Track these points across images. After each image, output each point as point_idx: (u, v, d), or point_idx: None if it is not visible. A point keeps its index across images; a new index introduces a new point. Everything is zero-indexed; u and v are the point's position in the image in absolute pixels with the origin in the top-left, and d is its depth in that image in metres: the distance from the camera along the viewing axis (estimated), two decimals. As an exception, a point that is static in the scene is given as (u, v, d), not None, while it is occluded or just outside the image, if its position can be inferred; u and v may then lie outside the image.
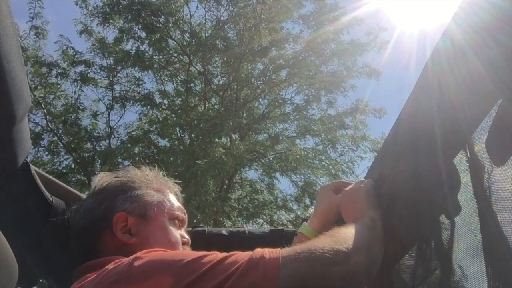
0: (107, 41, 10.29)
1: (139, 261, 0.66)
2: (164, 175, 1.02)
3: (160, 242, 0.86)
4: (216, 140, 8.27)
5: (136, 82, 10.53)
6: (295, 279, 0.62)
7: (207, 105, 10.63)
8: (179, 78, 10.91)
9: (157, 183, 0.98)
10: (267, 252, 0.66)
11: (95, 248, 0.87)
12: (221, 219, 8.00)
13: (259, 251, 0.66)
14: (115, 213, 0.88)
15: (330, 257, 0.66)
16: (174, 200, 0.98)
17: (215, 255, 0.66)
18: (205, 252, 0.67)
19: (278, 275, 0.62)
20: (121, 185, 0.93)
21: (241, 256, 0.66)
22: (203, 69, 10.70)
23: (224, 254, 0.67)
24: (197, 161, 7.65)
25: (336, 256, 0.66)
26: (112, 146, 9.91)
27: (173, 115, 10.43)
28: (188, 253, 0.70)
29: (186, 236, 0.95)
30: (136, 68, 10.23)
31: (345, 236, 0.73)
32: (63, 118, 9.92)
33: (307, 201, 9.90)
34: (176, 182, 1.03)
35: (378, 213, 0.88)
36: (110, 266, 0.70)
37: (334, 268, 0.65)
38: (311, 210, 9.83)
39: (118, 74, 10.45)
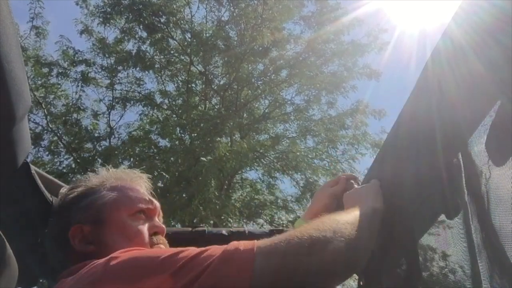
0: (108, 41, 10.29)
1: (114, 261, 0.65)
2: (125, 168, 0.99)
3: (120, 241, 0.83)
4: (218, 139, 8.25)
5: (137, 82, 10.53)
6: (269, 271, 0.61)
7: (207, 105, 10.64)
8: (180, 78, 10.91)
9: (113, 181, 0.94)
10: (242, 244, 0.64)
11: (66, 263, 0.85)
12: (223, 217, 7.97)
13: (234, 243, 0.65)
14: (70, 227, 0.87)
15: (307, 246, 0.63)
16: (134, 193, 0.93)
17: (191, 251, 0.65)
18: (181, 248, 0.66)
19: (252, 267, 0.60)
20: (75, 196, 0.92)
21: (216, 249, 0.64)
22: (203, 69, 10.70)
23: (201, 248, 0.65)
24: (201, 158, 7.63)
25: (314, 245, 0.64)
26: (112, 146, 9.91)
27: (174, 115, 10.44)
28: (163, 251, 0.70)
29: (159, 224, 0.91)
30: (137, 68, 10.23)
31: (329, 224, 0.69)
32: (63, 118, 9.92)
33: (308, 201, 9.89)
34: (142, 172, 0.99)
35: (382, 209, 0.85)
36: (84, 269, 0.70)
37: (310, 258, 0.63)
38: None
39: (119, 74, 10.45)
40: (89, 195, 0.91)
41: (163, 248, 0.88)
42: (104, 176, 0.95)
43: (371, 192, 0.92)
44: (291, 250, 0.63)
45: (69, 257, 0.86)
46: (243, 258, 0.62)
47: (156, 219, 0.93)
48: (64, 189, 0.97)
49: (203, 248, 0.66)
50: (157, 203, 0.95)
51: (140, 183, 0.97)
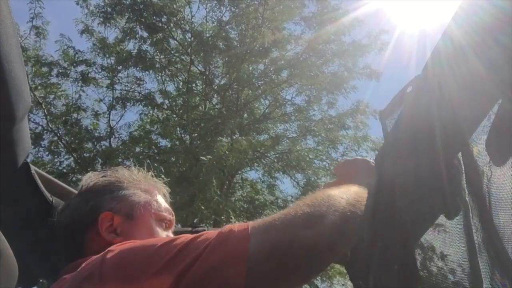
0: (108, 41, 10.28)
1: (111, 253, 0.66)
2: (153, 176, 1.01)
3: None
4: (219, 138, 8.24)
5: (137, 82, 10.53)
6: (265, 247, 0.61)
7: (208, 105, 10.64)
8: (180, 78, 10.91)
9: (145, 184, 0.98)
10: (237, 225, 0.65)
11: (80, 247, 0.86)
12: (223, 216, 7.96)
13: (228, 226, 0.66)
14: (101, 212, 0.88)
15: (301, 221, 0.63)
16: (161, 201, 0.97)
17: (186, 237, 0.66)
18: (177, 236, 0.67)
19: (248, 245, 0.60)
20: (108, 184, 0.94)
21: (211, 233, 0.65)
22: (204, 69, 10.70)
23: (196, 234, 0.66)
24: (201, 157, 7.62)
25: (308, 219, 0.64)
26: (113, 146, 9.91)
27: (174, 115, 10.44)
28: (159, 239, 0.70)
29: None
30: (138, 68, 10.22)
31: (322, 198, 0.69)
32: (63, 118, 9.92)
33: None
34: (164, 183, 1.03)
35: (373, 184, 0.85)
36: (83, 265, 0.70)
37: (305, 232, 0.62)
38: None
39: (119, 74, 10.44)
40: (124, 188, 0.93)
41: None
42: (136, 176, 0.98)
43: (363, 167, 0.93)
44: (286, 226, 0.63)
45: (89, 237, 0.86)
46: (238, 238, 0.62)
47: (170, 231, 0.96)
48: (92, 173, 0.98)
49: (198, 234, 0.66)
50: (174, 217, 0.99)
51: (166, 194, 1.01)
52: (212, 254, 0.61)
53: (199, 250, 0.61)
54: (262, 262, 0.60)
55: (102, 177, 0.95)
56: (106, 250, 0.68)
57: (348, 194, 0.73)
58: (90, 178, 0.96)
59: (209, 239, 0.63)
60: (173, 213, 0.98)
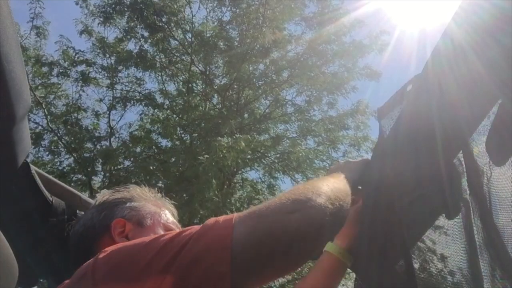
0: (108, 41, 10.27)
1: (103, 253, 0.68)
2: (162, 196, 1.08)
3: None
4: (219, 138, 8.23)
5: (137, 82, 10.53)
6: (249, 234, 0.62)
7: (208, 105, 10.64)
8: (181, 78, 10.91)
9: (155, 201, 1.04)
10: (222, 217, 0.66)
11: (92, 253, 0.88)
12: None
13: (213, 218, 0.67)
14: (114, 219, 0.93)
15: (286, 207, 0.65)
16: (169, 215, 1.03)
17: (173, 232, 0.68)
18: (164, 233, 0.69)
19: (232, 233, 0.61)
20: (120, 197, 1.00)
21: (197, 227, 0.66)
22: (204, 69, 10.70)
23: (182, 229, 0.68)
24: (199, 157, 7.61)
25: (293, 205, 0.66)
26: (113, 146, 9.91)
27: (174, 115, 10.44)
28: (148, 237, 0.72)
29: None
30: (138, 68, 10.22)
31: (305, 186, 0.72)
32: (63, 118, 9.92)
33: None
34: (173, 203, 1.09)
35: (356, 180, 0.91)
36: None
37: (290, 216, 0.64)
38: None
39: (119, 74, 10.44)
40: (136, 200, 1.00)
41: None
42: (147, 193, 1.05)
43: (350, 166, 1.01)
44: (271, 212, 0.64)
45: (102, 243, 0.89)
46: (222, 227, 0.63)
47: None
48: (106, 190, 1.05)
49: (184, 228, 0.68)
50: None
51: (174, 213, 1.07)
52: (196, 244, 0.62)
53: (182, 242, 0.63)
54: (246, 249, 0.61)
55: (115, 192, 1.02)
56: (100, 252, 0.69)
57: (330, 182, 0.77)
58: (103, 194, 1.02)
59: (194, 232, 0.64)
60: (180, 228, 1.02)
